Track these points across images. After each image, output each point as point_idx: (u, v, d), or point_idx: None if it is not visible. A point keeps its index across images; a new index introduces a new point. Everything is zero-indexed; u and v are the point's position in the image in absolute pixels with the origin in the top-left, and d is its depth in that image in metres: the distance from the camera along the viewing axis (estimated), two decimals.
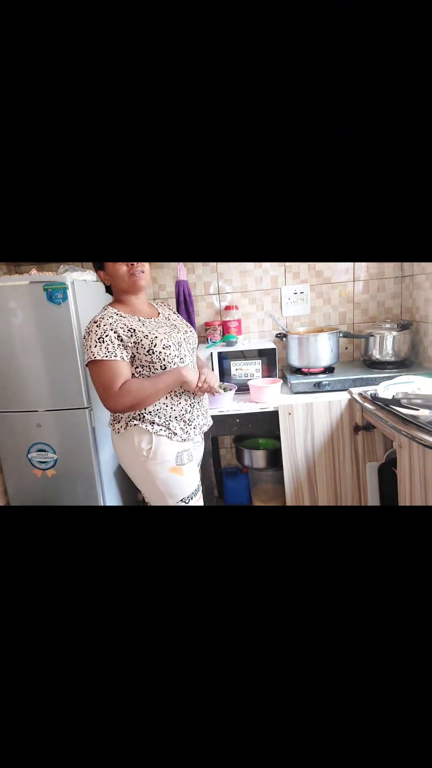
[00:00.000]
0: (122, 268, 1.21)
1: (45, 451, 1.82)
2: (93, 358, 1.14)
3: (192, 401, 1.30)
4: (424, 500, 1.19)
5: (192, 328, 1.39)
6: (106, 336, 1.15)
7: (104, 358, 1.14)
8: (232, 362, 2.02)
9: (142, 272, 1.22)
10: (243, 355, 2.04)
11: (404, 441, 1.24)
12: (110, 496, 1.95)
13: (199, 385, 1.23)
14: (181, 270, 2.09)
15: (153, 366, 1.20)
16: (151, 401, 1.19)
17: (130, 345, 1.18)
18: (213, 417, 1.45)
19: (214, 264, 2.18)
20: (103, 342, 1.15)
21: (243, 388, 1.97)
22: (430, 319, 1.90)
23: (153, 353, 1.18)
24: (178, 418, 1.26)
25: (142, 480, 1.30)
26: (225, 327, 2.15)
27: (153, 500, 1.32)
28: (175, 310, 1.44)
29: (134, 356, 1.20)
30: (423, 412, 1.28)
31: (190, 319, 2.10)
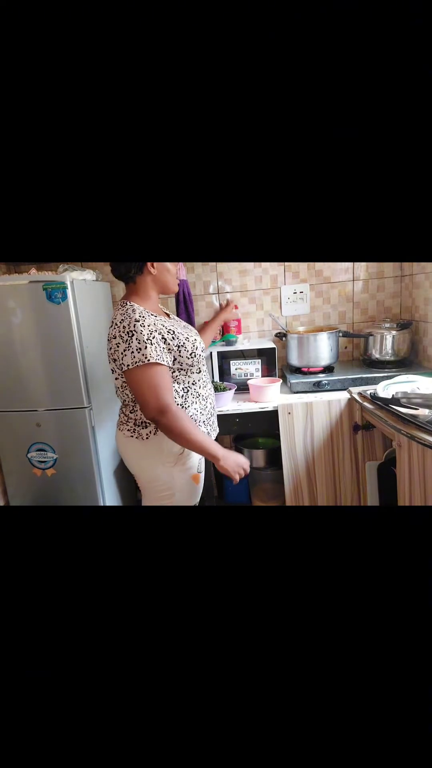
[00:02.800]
0: (174, 267, 1.23)
1: (44, 450, 1.82)
2: (147, 361, 1.06)
3: (213, 403, 1.31)
4: (423, 500, 1.19)
5: (194, 330, 1.38)
6: (153, 338, 1.08)
7: (159, 362, 1.08)
8: (231, 362, 2.02)
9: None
10: (242, 355, 2.04)
11: (404, 440, 1.24)
12: (110, 496, 1.95)
13: (228, 468, 1.17)
14: (181, 269, 2.09)
15: (191, 369, 1.17)
16: (178, 441, 1.13)
17: (173, 348, 1.13)
18: None
19: (213, 263, 2.18)
20: (152, 344, 1.07)
21: (242, 388, 1.97)
22: (430, 319, 1.90)
23: (194, 356, 1.16)
24: (206, 422, 1.26)
25: (160, 488, 1.26)
26: (224, 326, 2.15)
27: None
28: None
29: (175, 359, 1.15)
30: (422, 412, 1.28)
31: (189, 318, 2.10)
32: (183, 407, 1.20)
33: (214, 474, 1.90)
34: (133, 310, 1.10)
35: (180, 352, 1.14)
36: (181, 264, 2.07)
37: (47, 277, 1.67)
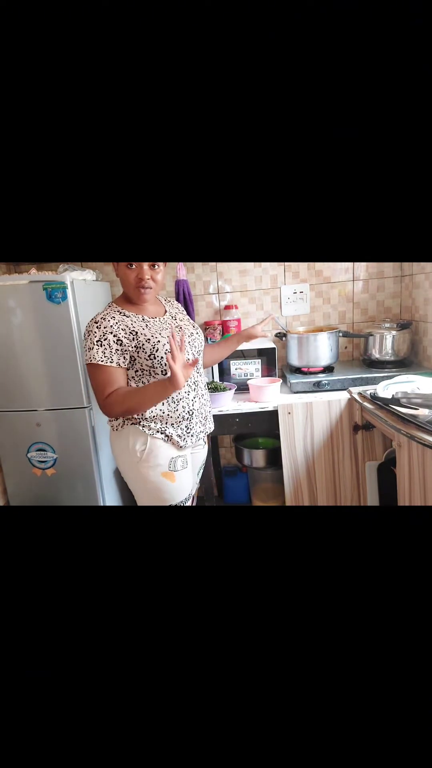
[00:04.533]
0: (131, 275, 1.16)
1: (44, 450, 1.82)
2: (90, 361, 1.15)
3: (191, 408, 1.25)
4: (423, 499, 1.19)
5: (198, 329, 1.36)
6: (105, 339, 1.14)
7: (100, 363, 1.14)
8: (231, 361, 2.02)
9: (150, 288, 1.18)
10: (242, 355, 2.04)
11: (403, 440, 1.24)
12: (110, 496, 1.95)
13: (174, 361, 1.08)
14: (181, 269, 2.09)
15: (154, 371, 1.18)
16: (143, 408, 1.17)
17: (130, 349, 1.16)
18: (212, 416, 1.44)
19: (213, 263, 2.18)
20: (101, 345, 1.13)
21: (242, 388, 1.97)
22: (430, 319, 1.90)
23: (154, 358, 1.16)
24: (176, 425, 1.24)
25: (133, 481, 1.29)
26: (224, 326, 2.15)
27: (142, 502, 1.31)
28: (182, 308, 1.41)
29: (134, 359, 1.17)
30: (422, 412, 1.28)
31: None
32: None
33: (214, 474, 1.90)
34: (104, 311, 1.19)
35: (138, 353, 1.17)
36: (181, 264, 2.07)
37: (47, 277, 1.67)
